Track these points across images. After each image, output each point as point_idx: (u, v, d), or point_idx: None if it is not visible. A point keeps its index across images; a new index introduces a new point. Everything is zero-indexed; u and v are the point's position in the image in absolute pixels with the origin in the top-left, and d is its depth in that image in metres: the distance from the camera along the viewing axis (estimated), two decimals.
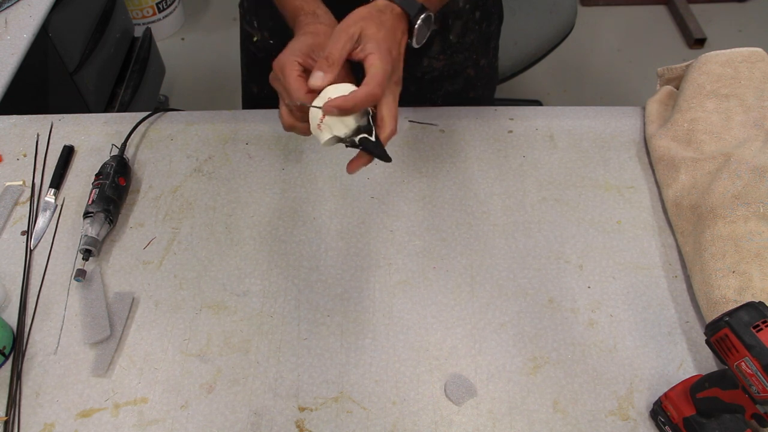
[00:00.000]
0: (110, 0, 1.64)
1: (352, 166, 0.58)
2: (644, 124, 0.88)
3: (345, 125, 0.55)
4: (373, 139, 0.56)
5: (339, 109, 0.53)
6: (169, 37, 2.42)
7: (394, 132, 0.56)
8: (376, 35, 0.56)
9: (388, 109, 0.56)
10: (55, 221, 0.79)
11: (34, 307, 0.72)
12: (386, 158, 0.57)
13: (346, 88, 0.55)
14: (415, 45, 0.62)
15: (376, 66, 0.54)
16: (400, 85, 0.59)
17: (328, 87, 0.55)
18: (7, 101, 1.00)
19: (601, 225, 0.78)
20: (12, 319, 0.71)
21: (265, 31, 0.91)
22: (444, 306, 0.71)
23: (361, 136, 0.55)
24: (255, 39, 0.92)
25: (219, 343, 0.69)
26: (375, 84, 0.53)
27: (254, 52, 0.95)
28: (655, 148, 0.82)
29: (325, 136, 0.56)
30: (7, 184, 0.83)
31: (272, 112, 0.91)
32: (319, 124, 0.55)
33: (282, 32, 0.87)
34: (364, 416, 0.64)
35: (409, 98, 0.92)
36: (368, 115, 0.56)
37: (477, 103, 0.99)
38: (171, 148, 0.87)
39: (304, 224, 0.79)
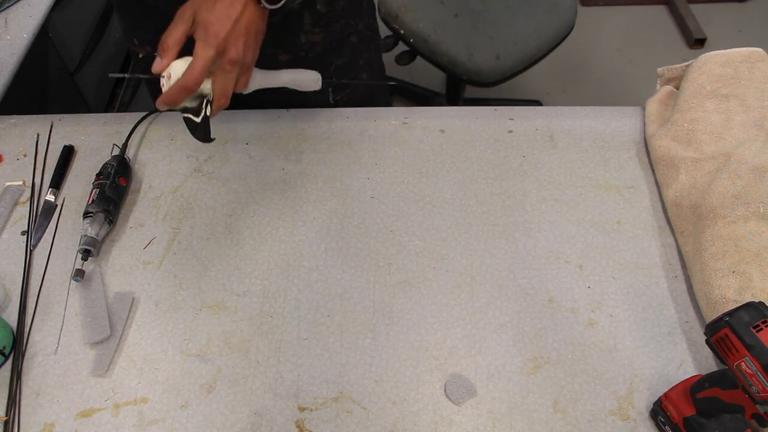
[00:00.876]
0: (110, 0, 1.64)
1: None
2: (644, 124, 0.88)
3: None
4: (197, 119, 0.64)
5: (164, 104, 0.61)
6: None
7: (221, 106, 0.63)
8: (206, 18, 0.60)
9: (218, 86, 0.62)
10: (55, 221, 0.79)
11: (34, 307, 0.72)
12: (204, 139, 0.65)
13: (186, 63, 0.61)
14: (269, 6, 0.64)
15: (196, 56, 0.60)
16: (238, 63, 0.62)
17: (173, 62, 0.62)
18: (7, 101, 1.00)
19: (601, 225, 0.78)
20: (12, 319, 0.71)
21: (147, 45, 0.91)
22: (444, 306, 0.71)
23: (184, 115, 0.64)
24: (141, 56, 0.93)
25: (219, 343, 0.69)
26: (188, 77, 0.59)
27: (146, 71, 0.95)
28: (655, 148, 0.82)
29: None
30: (7, 184, 0.83)
31: (272, 113, 0.91)
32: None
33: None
34: (364, 416, 0.64)
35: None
36: (202, 98, 0.63)
37: (369, 67, 0.99)
38: (171, 148, 0.87)
39: (304, 224, 0.79)
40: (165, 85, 0.62)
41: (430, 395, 0.65)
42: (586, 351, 0.68)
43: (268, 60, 0.67)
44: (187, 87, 0.60)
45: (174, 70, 0.61)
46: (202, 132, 0.64)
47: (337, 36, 0.90)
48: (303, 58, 0.89)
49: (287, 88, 0.75)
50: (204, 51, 0.59)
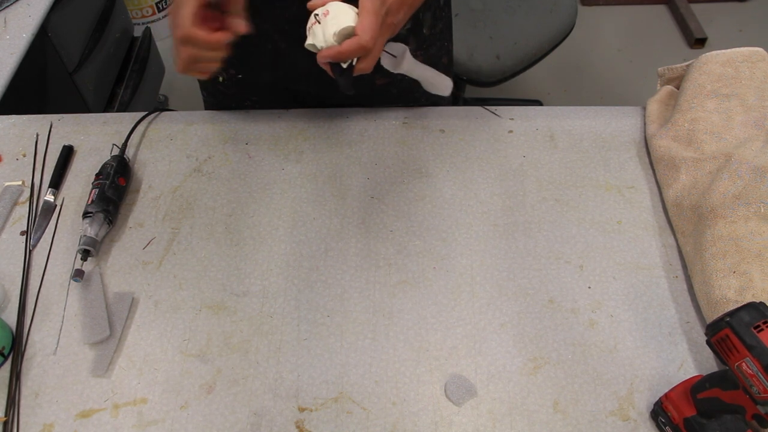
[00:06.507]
0: (110, 0, 1.64)
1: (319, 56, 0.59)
2: (645, 124, 0.87)
3: (324, 39, 0.57)
4: (343, 65, 0.58)
5: (333, 59, 0.56)
6: (169, 37, 2.41)
7: (367, 68, 0.58)
8: None
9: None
10: (55, 221, 0.79)
11: (33, 307, 0.72)
12: (347, 89, 0.59)
13: (346, 9, 0.57)
14: None
15: (367, 11, 0.55)
16: (392, 28, 0.59)
17: (332, 3, 0.57)
18: (6, 101, 1.00)
19: (602, 225, 0.78)
20: (11, 319, 0.71)
21: (230, 68, 0.88)
22: (444, 306, 0.71)
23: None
24: (221, 79, 0.91)
25: (219, 343, 0.69)
26: (368, 37, 0.55)
27: (223, 92, 0.94)
28: (656, 148, 0.82)
29: (309, 40, 0.59)
30: (7, 184, 0.83)
31: (272, 113, 0.91)
32: (309, 27, 0.59)
33: (250, 64, 0.86)
34: (364, 417, 0.64)
35: (393, 101, 0.92)
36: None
37: (455, 83, 0.99)
38: (171, 148, 0.87)
39: (304, 224, 0.78)
40: (316, 24, 0.57)
41: (430, 395, 0.65)
42: (586, 351, 0.68)
43: (364, 84, 0.65)
44: (366, 47, 0.55)
45: (333, 9, 0.56)
46: (345, 80, 0.59)
47: (433, 58, 0.91)
48: (399, 81, 0.90)
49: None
50: (374, 4, 0.56)
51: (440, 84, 0.75)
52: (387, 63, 0.67)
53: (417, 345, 0.68)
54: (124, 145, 0.85)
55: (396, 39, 0.82)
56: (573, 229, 0.78)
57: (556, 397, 0.65)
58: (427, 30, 0.86)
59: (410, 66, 0.68)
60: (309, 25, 0.59)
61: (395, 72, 0.68)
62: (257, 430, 0.63)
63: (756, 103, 0.80)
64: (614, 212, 0.79)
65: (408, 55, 0.67)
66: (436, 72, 0.74)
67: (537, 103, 2.14)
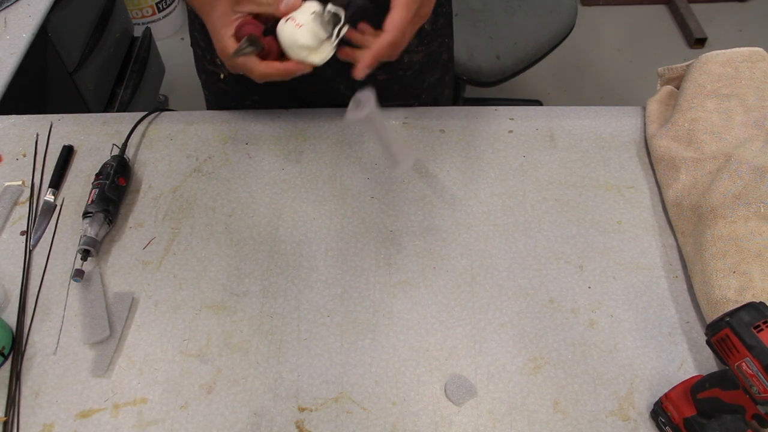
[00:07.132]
0: (110, 0, 1.64)
1: (346, 54, 0.59)
2: (645, 124, 0.87)
3: (315, 37, 0.57)
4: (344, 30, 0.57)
5: (371, 65, 0.56)
6: (169, 37, 2.42)
7: (394, 57, 0.58)
8: None
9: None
10: (55, 221, 0.79)
11: (33, 307, 0.72)
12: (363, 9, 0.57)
13: (307, 7, 0.56)
14: None
15: (401, 3, 0.54)
16: (424, 19, 0.58)
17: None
18: (6, 101, 1.00)
19: (602, 225, 0.78)
20: (11, 319, 0.71)
21: None
22: (444, 306, 0.71)
23: (337, 29, 0.57)
24: (222, 76, 0.91)
25: (219, 343, 0.69)
26: (399, 34, 0.54)
27: (224, 89, 0.94)
28: (656, 148, 0.82)
29: (304, 41, 0.57)
30: (7, 184, 0.83)
31: (272, 113, 0.91)
32: (290, 37, 0.57)
33: None
34: (364, 417, 0.64)
35: (394, 97, 0.92)
36: (334, 24, 0.57)
37: (450, 84, 1.00)
38: (171, 148, 0.87)
39: (304, 224, 0.78)
40: (289, 24, 0.56)
41: (430, 395, 0.65)
42: (586, 351, 0.68)
43: (365, 81, 0.65)
44: (395, 42, 0.56)
45: (300, 9, 0.56)
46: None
47: (434, 54, 0.91)
48: (401, 77, 0.89)
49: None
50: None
51: (400, 153, 0.65)
52: (350, 109, 0.61)
53: (417, 345, 0.68)
54: (124, 145, 0.85)
55: None
56: (573, 229, 0.78)
57: (556, 397, 0.65)
58: (429, 25, 0.86)
59: (373, 115, 0.60)
60: (289, 32, 0.57)
61: (355, 119, 0.61)
62: (257, 430, 0.63)
63: (756, 103, 0.80)
64: (614, 212, 0.79)
65: (373, 100, 0.60)
66: (398, 141, 0.67)
67: (537, 103, 2.14)
